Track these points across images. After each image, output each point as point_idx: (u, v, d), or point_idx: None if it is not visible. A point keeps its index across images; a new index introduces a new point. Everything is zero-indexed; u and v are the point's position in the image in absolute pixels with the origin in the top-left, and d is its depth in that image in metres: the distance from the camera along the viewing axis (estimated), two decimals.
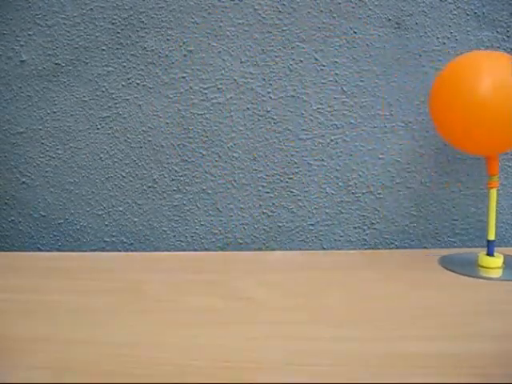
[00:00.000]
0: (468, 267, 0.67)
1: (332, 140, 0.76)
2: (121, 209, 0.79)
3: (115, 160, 0.78)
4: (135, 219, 0.79)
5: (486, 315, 0.53)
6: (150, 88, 0.76)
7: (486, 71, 0.61)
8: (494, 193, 0.67)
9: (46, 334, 0.51)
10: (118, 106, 0.77)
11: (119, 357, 0.46)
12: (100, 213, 0.79)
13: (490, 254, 0.68)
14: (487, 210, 0.68)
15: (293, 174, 0.77)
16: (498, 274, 0.66)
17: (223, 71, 0.76)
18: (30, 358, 0.46)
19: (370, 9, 0.74)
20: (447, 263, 0.69)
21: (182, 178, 0.78)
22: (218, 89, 0.76)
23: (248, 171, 0.77)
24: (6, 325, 0.53)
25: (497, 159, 0.66)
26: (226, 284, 0.63)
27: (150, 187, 0.78)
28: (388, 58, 0.75)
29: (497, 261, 0.67)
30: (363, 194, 0.77)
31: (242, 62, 0.75)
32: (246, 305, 0.57)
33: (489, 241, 0.68)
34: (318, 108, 0.76)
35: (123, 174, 0.78)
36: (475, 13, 0.74)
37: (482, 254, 0.69)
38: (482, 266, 0.67)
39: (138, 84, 0.77)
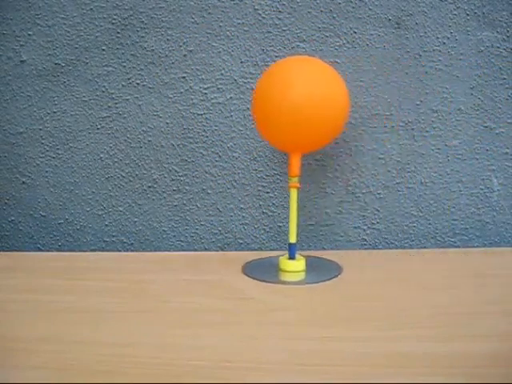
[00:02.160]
0: (270, 273, 0.65)
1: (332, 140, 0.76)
2: (121, 209, 0.79)
3: (115, 160, 0.78)
4: (135, 219, 0.79)
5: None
6: (150, 88, 0.76)
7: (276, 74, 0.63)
8: (294, 193, 0.65)
9: (45, 334, 0.51)
10: (118, 106, 0.77)
11: (119, 357, 0.46)
12: (100, 213, 0.79)
13: (291, 257, 0.66)
14: (289, 211, 0.66)
15: None
16: (299, 277, 0.65)
17: (223, 71, 0.76)
18: (30, 357, 0.46)
19: (370, 9, 0.74)
20: (249, 270, 0.66)
21: (182, 178, 0.78)
22: (218, 89, 0.76)
23: (248, 171, 0.77)
24: (6, 325, 0.53)
25: (298, 159, 0.64)
26: (226, 284, 0.63)
27: (149, 187, 0.78)
28: (388, 58, 0.75)
29: (298, 264, 0.66)
30: (363, 193, 0.77)
31: (241, 62, 0.75)
32: (246, 305, 0.57)
33: (290, 244, 0.66)
34: None
35: (123, 173, 0.78)
36: (475, 13, 0.74)
37: (282, 257, 0.67)
38: (284, 271, 0.66)
39: (138, 84, 0.77)
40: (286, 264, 0.66)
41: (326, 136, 0.64)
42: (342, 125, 0.65)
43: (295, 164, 0.65)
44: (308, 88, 0.61)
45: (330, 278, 0.63)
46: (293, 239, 0.66)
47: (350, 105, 0.65)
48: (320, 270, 0.66)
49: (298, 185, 0.65)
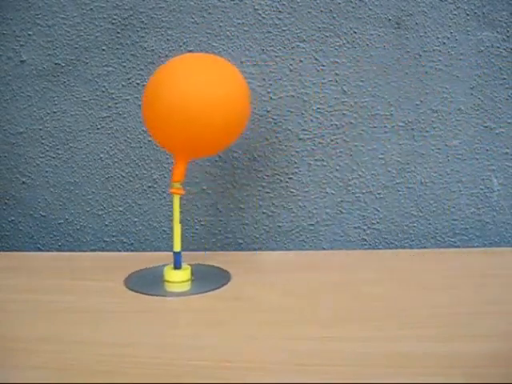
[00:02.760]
0: (155, 285, 0.62)
1: (332, 140, 0.76)
2: (121, 209, 0.79)
3: (115, 160, 0.78)
4: (135, 219, 0.79)
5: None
6: None
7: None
8: (177, 199, 0.62)
9: (45, 334, 0.51)
10: (118, 105, 0.77)
11: (119, 357, 0.46)
12: (100, 213, 0.79)
13: (176, 266, 0.63)
14: (172, 218, 0.62)
15: (293, 173, 0.77)
16: (185, 288, 0.61)
17: None
18: (30, 357, 0.46)
19: (370, 9, 0.74)
20: (132, 283, 0.62)
21: None
22: None
23: (248, 171, 0.77)
24: (6, 325, 0.53)
25: (184, 164, 0.61)
26: (226, 284, 0.63)
27: (149, 187, 0.78)
28: (388, 58, 0.75)
29: (183, 273, 0.62)
30: (363, 193, 0.77)
31: (241, 62, 0.75)
32: (246, 305, 0.57)
33: (174, 252, 0.63)
34: (318, 108, 0.76)
35: (123, 174, 0.78)
36: (475, 13, 0.74)
37: (168, 267, 0.63)
38: (169, 281, 0.62)
39: (137, 84, 0.76)
40: (171, 274, 0.62)
41: (218, 141, 0.60)
42: (238, 130, 0.61)
43: (179, 168, 0.61)
44: (197, 87, 0.57)
45: (217, 287, 0.61)
46: (177, 247, 0.63)
47: (249, 107, 0.62)
48: (207, 279, 0.63)
49: (181, 191, 0.62)
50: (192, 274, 0.64)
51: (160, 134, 0.60)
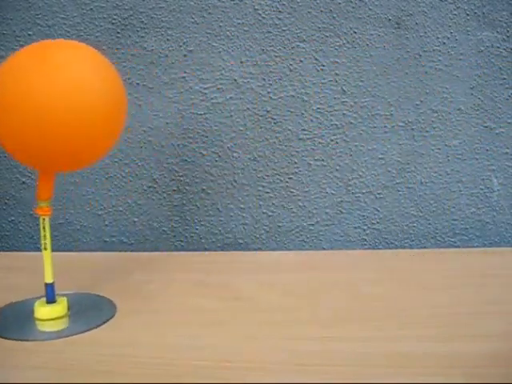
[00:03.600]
0: (26, 324, 0.51)
1: (332, 140, 0.76)
2: (121, 209, 0.79)
3: (115, 160, 0.78)
4: (135, 219, 0.79)
5: None
6: (150, 88, 0.76)
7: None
8: (46, 222, 0.51)
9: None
10: None
11: (119, 357, 0.46)
12: (100, 213, 0.79)
13: (49, 300, 0.52)
14: (41, 243, 0.52)
15: (293, 173, 0.77)
16: (61, 325, 0.51)
17: (223, 71, 0.76)
18: (30, 357, 0.46)
19: (370, 9, 0.74)
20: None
21: (181, 178, 0.78)
22: (218, 89, 0.76)
23: (248, 171, 0.77)
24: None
25: (51, 179, 0.50)
26: (226, 284, 0.63)
27: (150, 187, 0.78)
28: (388, 58, 0.75)
29: (56, 309, 0.52)
30: (363, 193, 0.77)
31: (241, 62, 0.75)
32: (246, 305, 0.57)
33: (46, 284, 0.52)
34: (318, 108, 0.76)
35: (123, 173, 0.78)
36: (475, 13, 0.74)
37: (39, 301, 0.53)
38: (40, 319, 0.51)
39: (137, 84, 0.77)
40: (42, 311, 0.52)
41: (85, 149, 0.49)
42: (111, 134, 0.51)
43: (47, 184, 0.50)
44: (51, 84, 0.46)
45: (100, 324, 0.51)
46: (49, 278, 0.52)
47: (125, 108, 0.53)
48: (88, 313, 0.54)
49: (48, 211, 0.51)
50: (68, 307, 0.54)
51: (14, 147, 0.48)
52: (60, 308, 0.52)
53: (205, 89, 0.76)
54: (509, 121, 0.76)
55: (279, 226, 0.78)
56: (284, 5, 0.75)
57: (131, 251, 0.79)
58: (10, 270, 0.69)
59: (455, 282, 0.62)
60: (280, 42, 0.75)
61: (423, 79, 0.75)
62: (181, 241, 0.79)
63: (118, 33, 0.76)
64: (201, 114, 0.76)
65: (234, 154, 0.77)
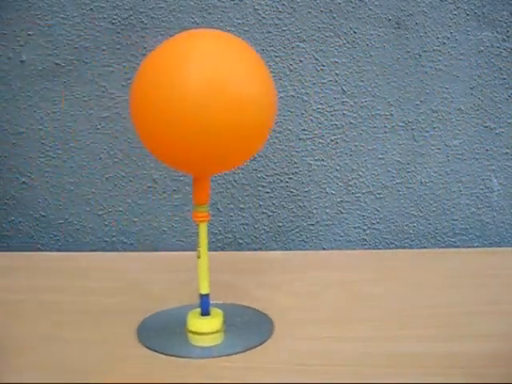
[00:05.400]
0: (173, 337, 0.48)
1: (332, 140, 0.76)
2: (121, 209, 0.79)
3: (115, 160, 0.78)
4: (135, 219, 0.79)
5: None
6: None
7: (193, 58, 0.42)
8: (203, 228, 0.48)
9: (46, 334, 0.51)
10: (117, 105, 0.77)
11: (119, 357, 0.46)
12: (100, 213, 0.79)
13: (203, 312, 0.48)
14: (199, 251, 0.49)
15: (293, 173, 0.77)
16: (214, 341, 0.47)
17: None
18: (30, 357, 0.46)
19: (370, 9, 0.74)
20: (147, 334, 0.48)
21: (181, 178, 0.78)
22: None
23: (248, 171, 0.77)
24: (6, 325, 0.53)
25: (207, 182, 0.47)
26: (226, 284, 0.63)
27: (149, 187, 0.78)
28: (388, 58, 0.75)
29: (212, 322, 0.48)
30: (363, 193, 0.77)
31: None
32: (246, 305, 0.57)
33: (201, 295, 0.49)
34: (318, 108, 0.76)
35: (123, 173, 0.78)
36: (475, 13, 0.74)
37: (192, 312, 0.49)
38: (192, 332, 0.48)
39: None
40: (196, 323, 0.48)
41: (245, 148, 0.45)
42: (264, 133, 0.46)
43: (202, 188, 0.47)
44: (211, 80, 0.42)
45: (257, 345, 0.47)
46: (205, 289, 0.49)
47: (275, 104, 0.47)
48: (244, 330, 0.50)
49: (207, 216, 0.48)
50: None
51: (167, 151, 0.45)
52: (215, 322, 0.48)
53: None
54: (509, 121, 0.76)
55: (279, 226, 0.78)
56: (284, 5, 0.75)
57: (131, 251, 0.79)
58: (10, 270, 0.69)
59: (455, 282, 0.62)
60: (280, 42, 0.75)
61: (423, 79, 0.75)
62: (181, 241, 0.79)
63: (118, 33, 0.76)
64: None
65: None
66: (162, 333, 0.49)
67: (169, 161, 0.46)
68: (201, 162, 0.44)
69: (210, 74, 0.42)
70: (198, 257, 0.49)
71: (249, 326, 0.50)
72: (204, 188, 0.47)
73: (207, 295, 0.49)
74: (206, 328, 0.48)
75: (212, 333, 0.48)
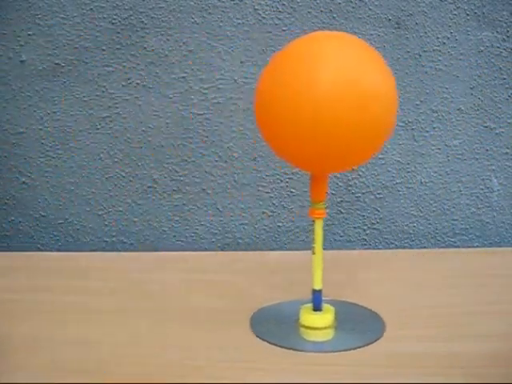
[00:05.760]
0: (285, 330, 0.49)
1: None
2: (121, 209, 0.79)
3: (115, 160, 0.78)
4: (135, 219, 0.79)
5: None
6: (150, 88, 0.76)
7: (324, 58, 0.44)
8: (319, 224, 0.49)
9: (46, 334, 0.51)
10: (117, 105, 0.77)
11: (119, 357, 0.46)
12: (100, 213, 0.79)
13: (316, 308, 0.49)
14: (313, 247, 0.50)
15: (293, 173, 0.77)
16: (326, 336, 0.49)
17: (223, 71, 0.76)
18: (30, 358, 0.46)
19: (370, 9, 0.74)
20: (260, 325, 0.50)
21: (181, 178, 0.78)
22: (218, 89, 0.76)
23: (248, 171, 0.77)
24: (6, 325, 0.53)
25: (325, 180, 0.48)
26: (226, 284, 0.63)
27: (149, 187, 0.78)
28: (388, 58, 0.75)
29: (324, 318, 0.49)
30: (363, 193, 0.77)
31: (241, 62, 0.75)
32: (246, 305, 0.57)
33: (314, 290, 0.50)
34: None
35: (123, 173, 0.78)
36: (475, 13, 0.74)
37: (305, 307, 0.50)
38: (305, 327, 0.49)
39: (137, 84, 0.77)
40: (309, 318, 0.49)
41: (369, 146, 0.45)
42: (386, 131, 0.46)
43: (320, 186, 0.48)
44: (343, 77, 0.43)
45: (371, 342, 0.47)
46: (318, 284, 0.50)
47: (397, 102, 0.47)
48: (355, 326, 0.50)
49: (323, 214, 0.49)
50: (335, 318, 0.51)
51: (289, 148, 0.46)
52: (327, 318, 0.49)
53: (205, 89, 0.76)
54: (509, 121, 0.76)
55: (279, 226, 0.78)
56: (284, 5, 0.75)
57: (131, 251, 0.79)
58: (10, 270, 0.69)
59: (455, 282, 0.62)
60: (280, 42, 0.75)
61: (423, 79, 0.75)
62: (181, 241, 0.79)
63: (118, 33, 0.76)
64: (201, 114, 0.77)
65: (234, 154, 0.77)
66: (274, 325, 0.51)
67: (289, 158, 0.48)
68: (323, 161, 0.45)
69: (341, 74, 0.43)
70: (313, 253, 0.50)
71: (359, 323, 0.51)
72: (322, 186, 0.48)
73: (320, 291, 0.50)
74: (319, 323, 0.49)
75: (324, 328, 0.49)
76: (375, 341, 0.48)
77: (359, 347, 0.47)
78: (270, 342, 0.48)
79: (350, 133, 0.43)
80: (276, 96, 0.44)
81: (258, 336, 0.49)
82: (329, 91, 0.42)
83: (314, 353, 0.46)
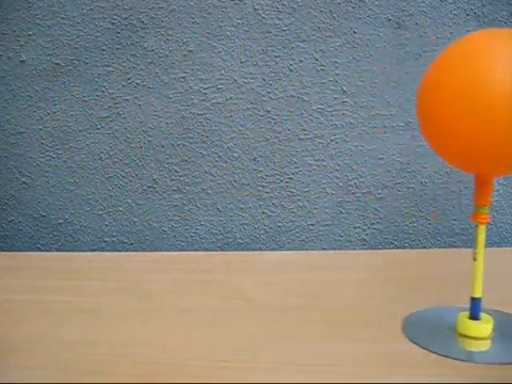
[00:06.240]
0: (440, 336, 0.48)
1: (332, 140, 0.76)
2: (121, 209, 0.79)
3: (115, 160, 0.78)
4: (135, 219, 0.79)
5: None
6: (150, 88, 0.76)
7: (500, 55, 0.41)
8: (482, 231, 0.48)
9: (46, 334, 0.51)
10: (117, 105, 0.77)
11: (119, 357, 0.46)
12: (100, 213, 0.79)
13: (474, 316, 0.48)
14: (475, 253, 0.49)
15: (293, 173, 0.77)
16: (484, 346, 0.47)
17: (223, 71, 0.76)
18: (30, 358, 0.46)
19: (370, 9, 0.74)
20: (413, 329, 0.50)
21: (181, 178, 0.78)
22: (218, 89, 0.76)
23: (248, 171, 0.77)
24: (6, 325, 0.53)
25: (491, 184, 0.46)
26: (226, 284, 0.63)
27: (149, 187, 0.78)
28: (388, 58, 0.75)
29: (484, 327, 0.48)
30: (363, 193, 0.77)
31: (241, 62, 0.75)
32: (246, 305, 0.57)
33: (473, 298, 0.48)
34: (318, 108, 0.76)
35: (123, 173, 0.78)
36: (475, 13, 0.74)
37: (462, 315, 0.49)
38: (463, 335, 0.48)
39: (138, 84, 0.77)
40: (468, 326, 0.48)
41: None
42: None
43: (486, 189, 0.46)
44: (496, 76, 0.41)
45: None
46: (478, 292, 0.48)
47: None
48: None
49: (487, 219, 0.47)
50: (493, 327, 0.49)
51: (457, 147, 0.44)
52: (487, 327, 0.48)
53: (205, 89, 0.76)
54: None
55: (279, 226, 0.78)
56: (284, 5, 0.75)
57: (131, 251, 0.79)
58: (10, 270, 0.69)
59: (455, 282, 0.62)
60: (280, 42, 0.75)
61: None
62: (181, 241, 0.79)
63: (118, 33, 0.76)
64: (201, 114, 0.77)
65: (234, 154, 0.77)
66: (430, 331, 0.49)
67: (456, 161, 0.45)
68: (493, 165, 0.43)
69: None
70: (474, 259, 0.49)
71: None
72: (487, 189, 0.46)
73: (479, 299, 0.48)
74: (476, 332, 0.47)
75: (483, 338, 0.47)
76: None
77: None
78: (423, 347, 0.47)
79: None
80: (448, 89, 0.42)
81: (411, 340, 0.48)
82: (505, 81, 0.40)
83: (470, 362, 0.45)
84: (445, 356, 0.45)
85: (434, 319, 0.51)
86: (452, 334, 0.48)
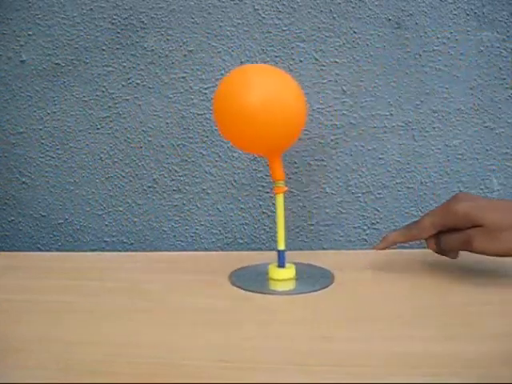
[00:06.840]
0: (258, 282, 0.63)
1: (332, 140, 0.76)
2: (121, 209, 0.79)
3: (115, 160, 0.78)
4: (135, 219, 0.79)
5: None
6: (150, 88, 0.76)
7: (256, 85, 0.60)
8: (281, 198, 0.63)
9: (45, 334, 0.51)
10: (117, 106, 0.77)
11: (119, 357, 0.46)
12: (100, 213, 0.79)
13: (280, 265, 0.64)
14: (276, 217, 0.63)
15: (293, 174, 0.77)
16: (289, 286, 0.62)
17: (223, 71, 0.76)
18: (29, 358, 0.46)
19: (370, 9, 0.74)
20: (237, 278, 0.64)
21: (181, 178, 0.78)
22: None
23: (248, 171, 0.77)
24: (6, 325, 0.53)
25: (278, 162, 0.62)
26: (226, 284, 0.63)
27: (149, 187, 0.78)
28: (388, 58, 0.75)
29: (288, 272, 0.63)
30: (363, 193, 0.77)
31: (241, 62, 0.75)
32: (246, 305, 0.57)
33: (279, 251, 0.64)
34: (318, 108, 0.76)
35: (123, 173, 0.78)
36: (475, 13, 0.74)
37: (272, 265, 0.64)
38: (273, 279, 0.64)
39: (138, 84, 0.77)
40: (276, 272, 0.64)
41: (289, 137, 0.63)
42: (300, 126, 0.62)
43: (277, 166, 0.62)
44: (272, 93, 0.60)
45: (323, 287, 0.61)
46: (281, 246, 0.64)
47: (306, 111, 0.62)
48: (312, 278, 0.64)
49: (284, 188, 0.63)
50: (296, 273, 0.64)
51: (247, 141, 0.61)
52: (290, 272, 0.64)
53: (205, 89, 0.76)
54: (509, 121, 0.76)
55: None
56: (284, 5, 0.75)
57: (131, 251, 0.79)
58: (10, 270, 0.69)
59: (455, 282, 0.62)
60: (280, 42, 0.75)
61: (423, 79, 0.75)
62: (181, 241, 0.79)
63: (118, 33, 0.76)
64: (201, 114, 0.77)
65: (234, 154, 0.77)
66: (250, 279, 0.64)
67: (248, 151, 0.69)
68: (267, 151, 0.62)
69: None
70: (279, 221, 0.64)
71: (314, 277, 0.65)
72: (278, 166, 0.62)
73: (284, 251, 0.64)
74: (282, 276, 0.64)
75: (286, 279, 0.63)
76: (324, 287, 0.61)
77: (312, 291, 0.60)
78: (245, 289, 0.61)
79: (285, 126, 0.59)
80: (225, 110, 0.62)
81: (235, 285, 0.62)
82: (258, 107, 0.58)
83: (278, 295, 0.60)
84: (260, 293, 0.59)
85: (254, 271, 0.67)
86: (265, 279, 0.64)
